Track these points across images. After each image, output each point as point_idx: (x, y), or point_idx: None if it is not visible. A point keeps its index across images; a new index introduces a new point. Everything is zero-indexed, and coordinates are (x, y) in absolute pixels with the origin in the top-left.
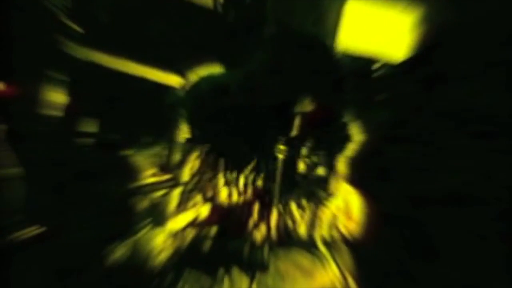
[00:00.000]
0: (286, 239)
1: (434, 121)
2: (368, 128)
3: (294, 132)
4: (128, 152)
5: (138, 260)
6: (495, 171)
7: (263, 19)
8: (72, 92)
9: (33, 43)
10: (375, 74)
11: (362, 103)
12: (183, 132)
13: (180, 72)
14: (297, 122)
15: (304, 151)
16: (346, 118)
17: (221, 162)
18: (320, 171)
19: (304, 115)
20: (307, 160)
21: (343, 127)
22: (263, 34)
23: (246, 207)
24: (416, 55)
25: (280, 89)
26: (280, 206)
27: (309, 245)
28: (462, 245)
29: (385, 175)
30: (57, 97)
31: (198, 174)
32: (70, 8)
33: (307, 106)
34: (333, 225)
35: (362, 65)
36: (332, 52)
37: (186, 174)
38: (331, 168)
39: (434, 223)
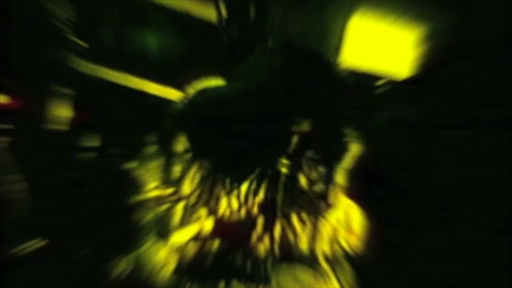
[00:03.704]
0: (288, 254)
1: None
2: (369, 143)
3: (294, 146)
4: (131, 165)
5: (140, 275)
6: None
7: (266, 34)
8: (76, 106)
9: (37, 57)
10: (379, 91)
11: (365, 119)
12: (184, 145)
13: (181, 85)
14: (296, 137)
15: (304, 164)
16: (348, 134)
17: (222, 175)
18: (320, 184)
19: (304, 131)
20: (307, 172)
21: (344, 143)
22: (266, 49)
23: (249, 220)
24: (421, 72)
25: (280, 105)
26: (283, 220)
27: (310, 261)
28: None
29: (385, 188)
30: (60, 111)
31: (199, 187)
32: (74, 23)
33: (305, 123)
34: (334, 239)
35: (365, 81)
36: (335, 68)
37: (187, 187)
38: (331, 181)
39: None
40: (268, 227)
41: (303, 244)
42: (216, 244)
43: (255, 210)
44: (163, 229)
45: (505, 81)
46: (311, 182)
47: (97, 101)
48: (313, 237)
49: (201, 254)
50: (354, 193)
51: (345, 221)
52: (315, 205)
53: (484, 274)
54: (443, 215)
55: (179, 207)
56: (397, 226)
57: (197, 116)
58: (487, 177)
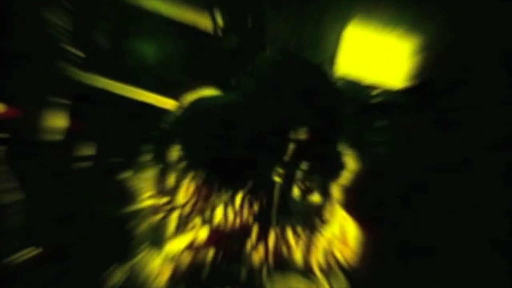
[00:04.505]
0: (283, 264)
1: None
2: (364, 156)
3: (288, 157)
4: (126, 174)
5: (135, 284)
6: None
7: (262, 44)
8: (72, 115)
9: (34, 67)
10: (373, 101)
11: (359, 130)
12: (179, 153)
13: (178, 94)
14: (291, 147)
15: (299, 176)
16: (342, 145)
17: (217, 184)
18: (315, 197)
19: (299, 141)
20: (302, 185)
21: (339, 154)
22: (262, 58)
23: (243, 229)
24: (416, 82)
25: (276, 113)
26: (277, 230)
27: (305, 271)
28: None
29: (382, 202)
30: (56, 120)
31: (194, 196)
32: (71, 32)
33: (302, 132)
34: (329, 252)
35: (360, 91)
36: (330, 78)
37: (182, 196)
38: (326, 194)
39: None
40: (263, 236)
41: (297, 256)
42: (210, 253)
43: (250, 219)
44: (158, 238)
45: (504, 82)
46: (305, 194)
47: (93, 111)
48: (308, 249)
49: (195, 263)
50: (349, 206)
51: (340, 234)
52: (310, 219)
53: (485, 275)
54: (444, 216)
55: (174, 216)
56: (397, 230)
57: (193, 125)
58: (487, 178)
